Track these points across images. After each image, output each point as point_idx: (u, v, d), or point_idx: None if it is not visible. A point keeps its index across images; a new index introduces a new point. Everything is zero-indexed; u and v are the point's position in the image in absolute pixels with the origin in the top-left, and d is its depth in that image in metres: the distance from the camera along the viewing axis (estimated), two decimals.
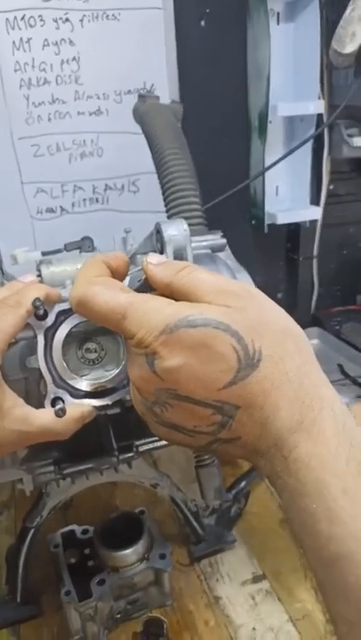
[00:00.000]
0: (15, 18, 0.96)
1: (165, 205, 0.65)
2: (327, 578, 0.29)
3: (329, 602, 0.29)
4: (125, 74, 1.05)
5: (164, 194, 0.65)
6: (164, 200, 0.65)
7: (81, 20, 1.00)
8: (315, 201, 1.25)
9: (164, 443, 0.63)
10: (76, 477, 0.66)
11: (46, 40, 0.99)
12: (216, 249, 0.58)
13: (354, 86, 0.92)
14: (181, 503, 0.75)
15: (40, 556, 0.72)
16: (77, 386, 0.46)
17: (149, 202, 1.09)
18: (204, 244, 0.58)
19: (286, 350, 0.31)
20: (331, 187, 1.26)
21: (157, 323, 0.32)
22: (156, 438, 0.63)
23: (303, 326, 0.34)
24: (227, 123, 1.15)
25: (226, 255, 0.60)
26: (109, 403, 0.46)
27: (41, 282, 0.52)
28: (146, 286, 0.37)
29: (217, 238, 0.59)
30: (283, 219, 1.21)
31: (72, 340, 0.46)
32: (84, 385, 0.46)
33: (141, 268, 0.37)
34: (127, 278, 0.42)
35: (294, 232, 1.30)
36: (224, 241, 0.59)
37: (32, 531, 0.68)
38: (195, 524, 0.77)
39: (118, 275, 0.38)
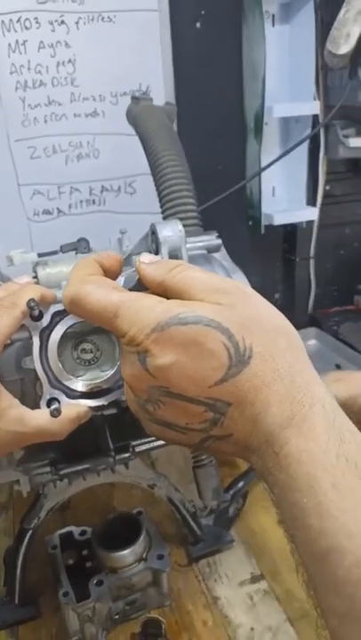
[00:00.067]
0: (11, 20, 0.97)
1: (161, 206, 0.65)
2: (318, 572, 0.29)
3: (320, 596, 0.29)
4: (121, 76, 1.06)
5: (159, 195, 0.66)
6: (160, 201, 0.66)
7: (76, 23, 1.00)
8: (311, 201, 1.25)
9: (160, 443, 0.63)
10: (73, 478, 0.66)
11: (42, 42, 1.00)
12: (212, 249, 0.58)
13: (349, 87, 0.93)
14: (179, 504, 0.75)
15: (38, 558, 0.72)
16: (73, 386, 0.46)
17: (146, 203, 1.09)
18: (200, 244, 0.58)
19: (278, 348, 0.32)
20: (327, 187, 1.26)
21: (149, 321, 0.32)
22: (153, 438, 0.63)
23: (301, 327, 0.35)
24: (223, 124, 1.16)
25: (222, 256, 0.60)
26: (105, 403, 0.46)
27: (37, 283, 0.52)
28: (140, 286, 0.37)
29: (212, 239, 0.59)
30: (279, 219, 1.21)
31: (67, 341, 0.46)
32: (79, 385, 0.46)
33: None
34: (122, 279, 0.43)
35: (291, 233, 1.31)
36: (219, 241, 0.59)
37: (30, 532, 0.68)
38: (193, 524, 0.77)
39: (111, 274, 0.38)
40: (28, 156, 1.06)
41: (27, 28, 0.98)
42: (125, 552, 0.66)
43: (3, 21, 0.96)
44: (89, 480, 0.67)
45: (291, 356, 0.32)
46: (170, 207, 0.63)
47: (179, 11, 1.05)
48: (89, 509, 0.85)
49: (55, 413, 0.42)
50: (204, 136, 1.12)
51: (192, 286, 0.33)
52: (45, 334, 0.45)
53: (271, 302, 0.35)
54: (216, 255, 0.58)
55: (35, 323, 0.44)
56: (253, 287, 0.37)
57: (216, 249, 0.58)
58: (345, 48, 0.86)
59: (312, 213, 1.24)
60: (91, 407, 0.46)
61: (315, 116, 1.15)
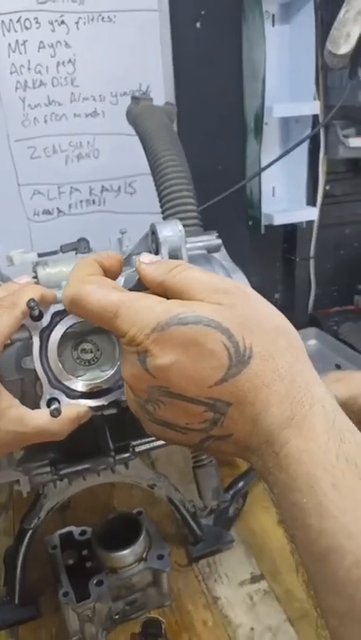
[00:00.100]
0: (11, 20, 0.97)
1: (161, 206, 0.65)
2: (318, 572, 0.29)
3: (320, 596, 0.29)
4: (121, 76, 1.06)
5: (159, 195, 0.66)
6: (160, 201, 0.66)
7: (76, 23, 1.01)
8: (311, 201, 1.25)
9: (160, 443, 0.63)
10: (73, 478, 0.66)
11: (42, 42, 1.00)
12: (212, 249, 0.58)
13: (349, 87, 0.93)
14: (179, 504, 0.75)
15: (38, 558, 0.72)
16: (73, 386, 0.46)
17: (146, 203, 1.09)
18: (200, 244, 0.58)
19: (278, 348, 0.32)
20: (327, 187, 1.26)
21: (149, 320, 0.32)
22: (153, 438, 0.63)
23: (301, 327, 0.35)
24: (223, 124, 1.16)
25: (222, 256, 0.60)
26: (105, 403, 0.46)
27: (37, 283, 0.52)
28: (140, 286, 0.37)
29: (212, 239, 0.59)
30: (279, 219, 1.21)
31: (67, 341, 0.46)
32: (79, 385, 0.46)
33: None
34: (122, 279, 0.43)
35: (291, 233, 1.31)
36: (219, 241, 0.59)
37: (30, 532, 0.68)
38: (193, 524, 0.77)
39: (111, 274, 0.38)
40: (28, 156, 1.06)
41: (27, 28, 0.98)
42: (125, 552, 0.66)
43: (3, 21, 0.97)
44: (89, 480, 0.67)
45: (291, 356, 0.32)
46: (170, 207, 0.63)
47: (179, 11, 1.05)
48: (89, 509, 0.85)
49: (55, 413, 0.42)
50: (204, 136, 1.12)
51: (192, 286, 0.33)
52: (45, 334, 0.45)
53: (271, 302, 0.35)
54: (216, 255, 0.58)
55: (35, 323, 0.44)
56: (253, 287, 0.37)
57: (216, 249, 0.58)
58: (345, 48, 0.86)
59: (312, 213, 1.24)
60: (91, 407, 0.46)
61: (315, 116, 1.15)
